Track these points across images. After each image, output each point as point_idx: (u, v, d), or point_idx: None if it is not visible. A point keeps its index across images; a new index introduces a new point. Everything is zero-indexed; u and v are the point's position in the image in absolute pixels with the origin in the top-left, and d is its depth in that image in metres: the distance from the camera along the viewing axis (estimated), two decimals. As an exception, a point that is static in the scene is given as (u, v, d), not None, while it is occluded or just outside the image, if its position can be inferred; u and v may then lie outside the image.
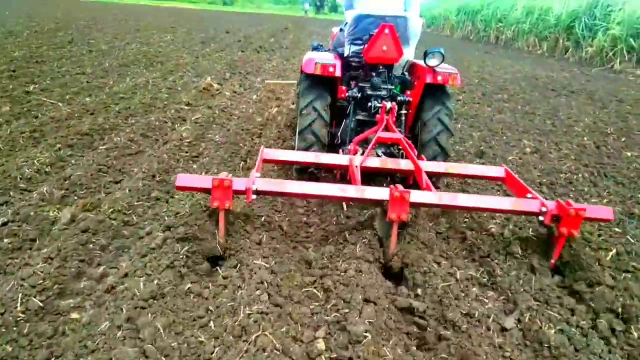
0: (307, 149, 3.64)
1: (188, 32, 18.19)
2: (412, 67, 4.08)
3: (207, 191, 2.71)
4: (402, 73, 4.06)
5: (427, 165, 3.37)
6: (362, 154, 3.38)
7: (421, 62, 3.76)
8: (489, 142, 5.63)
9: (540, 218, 2.79)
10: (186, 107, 6.18)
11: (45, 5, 26.22)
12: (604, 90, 9.65)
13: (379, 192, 2.80)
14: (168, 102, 6.42)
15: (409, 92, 3.91)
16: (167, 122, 5.41)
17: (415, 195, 2.71)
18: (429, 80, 3.63)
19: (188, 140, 4.86)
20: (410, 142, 3.55)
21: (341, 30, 4.18)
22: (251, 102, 6.80)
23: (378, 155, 3.65)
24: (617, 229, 3.48)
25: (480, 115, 6.95)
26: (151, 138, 4.91)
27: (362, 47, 3.74)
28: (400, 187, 2.67)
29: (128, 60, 9.76)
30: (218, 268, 2.66)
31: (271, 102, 6.92)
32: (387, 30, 3.44)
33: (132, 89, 6.99)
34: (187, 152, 4.57)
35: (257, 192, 2.76)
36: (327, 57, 3.73)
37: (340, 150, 3.76)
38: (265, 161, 3.46)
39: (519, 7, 22.58)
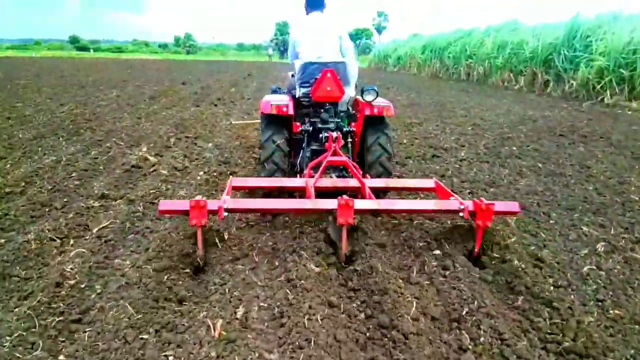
0: (269, 176, 4.13)
1: (139, 86, 16.46)
2: (355, 103, 4.69)
3: (185, 213, 3.16)
4: (347, 108, 4.74)
5: (370, 182, 3.99)
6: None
7: (363, 99, 4.25)
8: (537, 235, 3.83)
9: (461, 214, 3.36)
10: (96, 204, 4.30)
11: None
12: (618, 132, 8.29)
13: (329, 203, 3.28)
14: (72, 197, 4.53)
15: (353, 124, 4.53)
16: (53, 240, 3.52)
17: (359, 203, 3.26)
18: (367, 112, 4.21)
19: (67, 288, 2.82)
20: (356, 164, 4.13)
21: (292, 76, 4.91)
22: (194, 185, 4.97)
23: (331, 177, 4.25)
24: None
25: (498, 182, 5.32)
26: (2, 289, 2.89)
27: (309, 89, 4.38)
28: (345, 197, 3.16)
29: (50, 128, 7.88)
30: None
31: (225, 180, 5.02)
32: (329, 74, 4.09)
33: (30, 175, 5.10)
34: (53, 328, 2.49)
35: (227, 210, 3.26)
36: (282, 99, 4.28)
37: (298, 175, 4.38)
38: (234, 188, 4.02)
39: (488, 43, 21.89)
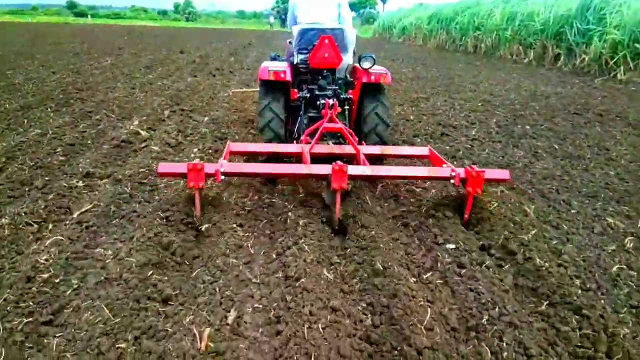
0: (267, 142, 4.17)
1: (135, 54, 15.91)
2: (353, 70, 4.68)
3: (184, 175, 3.24)
4: (345, 76, 4.69)
5: (365, 149, 3.99)
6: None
7: (361, 66, 4.26)
8: (559, 227, 3.47)
9: (452, 181, 3.40)
10: (80, 184, 3.98)
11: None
12: (635, 111, 7.88)
13: (324, 168, 3.34)
14: (55, 175, 4.21)
15: (351, 92, 4.51)
16: (30, 225, 3.21)
17: (353, 169, 3.34)
18: (364, 80, 4.23)
19: (39, 284, 2.49)
20: (352, 131, 4.18)
21: (290, 42, 4.84)
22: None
23: (328, 144, 4.21)
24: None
25: (512, 164, 4.98)
26: None
27: (307, 55, 4.34)
28: (340, 162, 3.18)
29: (39, 98, 7.49)
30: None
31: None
32: (327, 41, 4.10)
33: (12, 150, 4.76)
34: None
35: (224, 174, 3.30)
36: (279, 65, 4.28)
37: (295, 142, 4.35)
38: (232, 153, 3.98)
39: (497, 14, 21.13)
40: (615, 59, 13.28)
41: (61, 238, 3.02)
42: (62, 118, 6.28)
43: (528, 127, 6.61)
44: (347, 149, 3.99)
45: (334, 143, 4.31)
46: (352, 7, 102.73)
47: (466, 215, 3.40)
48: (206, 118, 6.59)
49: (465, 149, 5.45)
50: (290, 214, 3.42)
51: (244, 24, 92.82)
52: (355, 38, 4.73)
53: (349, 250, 3.03)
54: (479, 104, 8.38)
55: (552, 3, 17.69)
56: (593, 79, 12.99)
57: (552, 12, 16.84)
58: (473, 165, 3.34)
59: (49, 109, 6.80)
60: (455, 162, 4.87)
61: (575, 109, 7.92)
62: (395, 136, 5.95)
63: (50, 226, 3.27)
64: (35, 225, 3.23)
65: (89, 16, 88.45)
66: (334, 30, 4.35)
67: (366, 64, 4.23)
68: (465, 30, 24.47)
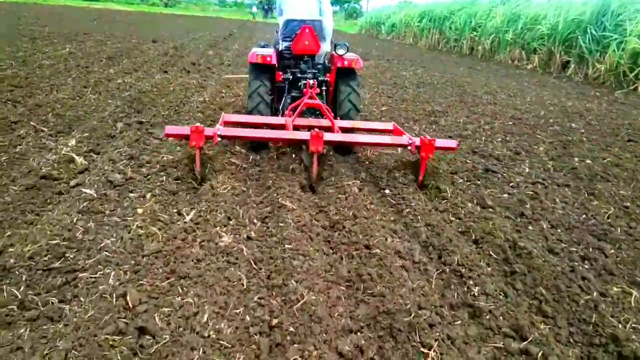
0: (254, 109, 4.70)
1: (101, 41, 13.96)
2: (331, 57, 5.18)
3: (187, 137, 3.74)
4: (324, 62, 5.34)
5: (339, 123, 4.57)
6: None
7: (336, 53, 4.82)
8: None
9: (409, 148, 4.06)
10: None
11: None
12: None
13: (304, 134, 3.89)
14: None
15: (328, 75, 5.13)
16: None
17: (327, 136, 3.85)
18: (339, 64, 4.76)
19: None
20: (329, 108, 4.81)
21: (276, 32, 5.48)
22: (126, 226, 3.00)
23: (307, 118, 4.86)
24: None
25: (610, 233, 3.49)
26: None
27: (290, 43, 4.97)
28: (317, 129, 3.75)
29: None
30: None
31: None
32: (307, 30, 4.72)
33: None
34: None
35: (221, 136, 3.90)
36: (266, 51, 4.78)
37: (280, 115, 5.08)
38: (225, 122, 4.48)
39: (497, 15, 19.83)
40: (636, 71, 12.08)
41: None
42: (-30, 132, 4.55)
43: (589, 161, 5.16)
44: (323, 122, 4.57)
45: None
46: (337, 1, 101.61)
47: (420, 177, 4.05)
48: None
49: (534, 201, 3.94)
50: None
51: (225, 12, 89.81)
52: (333, 30, 5.43)
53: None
54: (510, 122, 6.94)
55: (560, 6, 16.48)
56: (611, 91, 11.76)
57: (562, 16, 15.59)
58: (426, 135, 4.12)
59: (-42, 116, 5.04)
60: (531, 227, 3.39)
61: (627, 134, 6.54)
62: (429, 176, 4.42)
63: None
64: None
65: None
66: (313, 21, 4.98)
67: (341, 51, 4.79)
68: (460, 30, 23.13)
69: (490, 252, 2.99)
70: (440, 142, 4.01)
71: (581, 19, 14.68)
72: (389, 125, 4.84)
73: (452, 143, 4.16)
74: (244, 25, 36.72)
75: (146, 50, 12.91)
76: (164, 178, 3.75)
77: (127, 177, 3.75)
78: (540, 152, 5.43)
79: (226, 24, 36.44)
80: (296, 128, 4.31)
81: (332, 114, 4.68)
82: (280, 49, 5.17)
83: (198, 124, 3.69)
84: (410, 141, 4.01)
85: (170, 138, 4.34)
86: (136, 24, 25.05)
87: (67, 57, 10.17)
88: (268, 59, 4.62)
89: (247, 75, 5.18)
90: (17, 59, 9.17)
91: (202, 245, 2.76)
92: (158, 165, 4.03)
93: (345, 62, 4.73)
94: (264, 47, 5.21)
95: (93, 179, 3.61)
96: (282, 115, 4.90)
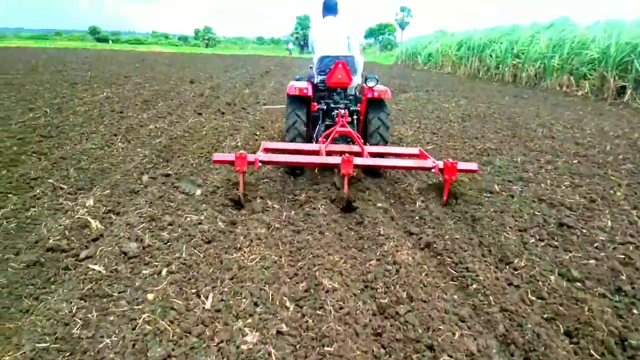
0: (292, 140, 5.12)
1: (139, 84, 14.10)
2: (361, 89, 5.59)
3: (232, 163, 4.24)
4: (355, 93, 5.79)
5: (368, 148, 4.96)
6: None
7: (366, 85, 5.23)
8: None
9: (433, 171, 4.40)
10: None
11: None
12: None
13: (336, 159, 4.25)
14: None
15: (359, 105, 5.57)
16: None
17: (357, 160, 4.22)
18: (369, 95, 5.17)
19: None
20: (359, 135, 5.23)
21: (311, 67, 5.96)
22: (136, 316, 2.49)
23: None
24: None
25: None
26: None
27: (325, 76, 5.37)
28: (348, 154, 4.22)
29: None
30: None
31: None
32: (340, 65, 5.12)
33: None
34: None
35: (262, 162, 4.31)
36: (303, 84, 5.24)
37: (314, 142, 5.43)
38: (265, 150, 4.84)
39: (542, 41, 18.99)
40: None
41: None
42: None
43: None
44: (354, 147, 4.93)
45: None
46: (371, 33, 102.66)
47: (445, 197, 4.40)
48: (199, 191, 4.49)
49: (623, 263, 3.18)
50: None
51: (263, 50, 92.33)
52: (364, 63, 5.94)
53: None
54: (575, 161, 6.16)
55: (610, 29, 15.54)
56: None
57: (613, 39, 14.65)
58: (449, 159, 4.42)
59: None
60: (636, 310, 2.66)
61: None
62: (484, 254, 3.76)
63: None
64: None
65: (111, 41, 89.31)
66: (346, 57, 5.37)
67: (371, 83, 5.16)
68: (502, 58, 22.36)
69: (591, 351, 2.30)
70: (462, 165, 4.36)
71: (636, 42, 13.72)
72: (415, 150, 5.17)
73: (473, 166, 4.50)
74: (281, 61, 37.19)
75: (183, 91, 12.88)
76: (184, 246, 3.25)
77: (145, 244, 3.29)
78: (619, 198, 4.65)
79: (263, 61, 37.06)
80: (329, 154, 4.69)
81: (362, 140, 5.15)
82: (315, 82, 5.61)
83: (242, 152, 4.20)
84: (434, 164, 4.36)
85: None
86: (177, 65, 25.68)
87: (103, 102, 10.16)
88: (305, 91, 5.07)
89: (284, 106, 5.60)
90: (52, 105, 9.19)
91: (221, 348, 2.21)
92: (180, 229, 3.55)
93: (375, 94, 5.15)
94: (298, 80, 5.69)
95: (105, 249, 3.16)
96: (317, 142, 5.25)
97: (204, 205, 4.05)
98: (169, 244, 3.35)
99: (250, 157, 4.19)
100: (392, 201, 4.64)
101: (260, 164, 4.29)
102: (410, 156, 5.15)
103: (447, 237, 3.60)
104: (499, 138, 7.70)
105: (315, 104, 5.50)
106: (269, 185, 4.87)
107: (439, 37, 33.80)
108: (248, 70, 23.72)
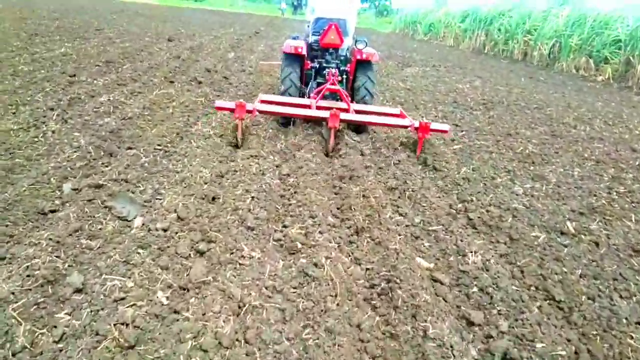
0: (286, 90, 5.53)
1: (109, 39, 12.21)
2: (352, 51, 5.90)
3: (232, 110, 4.63)
4: (346, 54, 6.08)
5: (354, 106, 5.33)
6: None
7: (356, 47, 5.60)
8: None
9: (409, 129, 5.01)
10: None
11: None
12: None
13: (324, 112, 4.66)
14: None
15: (349, 66, 5.91)
16: None
17: (343, 115, 4.70)
18: (358, 57, 5.51)
19: None
20: (347, 93, 5.64)
21: (307, 26, 6.34)
22: None
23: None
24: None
25: None
26: None
27: (319, 37, 5.72)
28: (335, 109, 4.62)
29: None
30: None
31: None
32: (333, 27, 5.43)
33: None
34: None
35: (259, 111, 4.79)
36: (298, 42, 5.56)
37: (306, 97, 5.70)
38: (262, 101, 5.16)
39: (561, 16, 17.34)
40: None
41: None
42: None
43: None
44: (342, 105, 5.30)
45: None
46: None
47: (418, 152, 4.90)
48: (140, 219, 2.98)
49: None
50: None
51: (254, 8, 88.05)
52: (358, 28, 6.67)
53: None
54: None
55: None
56: None
57: (647, 19, 13.16)
58: (424, 120, 4.88)
59: None
60: None
61: None
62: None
63: None
64: None
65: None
66: (339, 20, 5.81)
67: (360, 45, 5.55)
68: (511, 33, 20.69)
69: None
70: (435, 125, 4.85)
71: (673, 24, 12.26)
72: (396, 110, 5.60)
73: (445, 127, 4.94)
74: (272, 22, 34.80)
75: (157, 51, 11.07)
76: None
77: (17, 348, 1.81)
78: None
79: (254, 20, 34.61)
80: (319, 109, 5.05)
81: (350, 99, 5.58)
82: (309, 42, 6.00)
83: (241, 100, 4.58)
84: (411, 123, 4.89)
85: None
86: (158, 18, 23.37)
87: (57, 59, 8.39)
88: (299, 49, 5.45)
89: (280, 63, 6.10)
90: (-5, 62, 7.43)
91: None
92: (90, 307, 2.08)
93: (364, 55, 5.47)
94: (295, 39, 5.91)
95: None
96: (308, 98, 5.60)
97: (142, 250, 2.57)
98: (62, 342, 1.88)
99: (249, 106, 4.64)
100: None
101: (257, 113, 4.77)
102: (391, 115, 5.49)
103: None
104: (537, 137, 6.26)
105: (308, 62, 5.90)
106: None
107: (441, 6, 31.75)
108: (236, 29, 21.65)
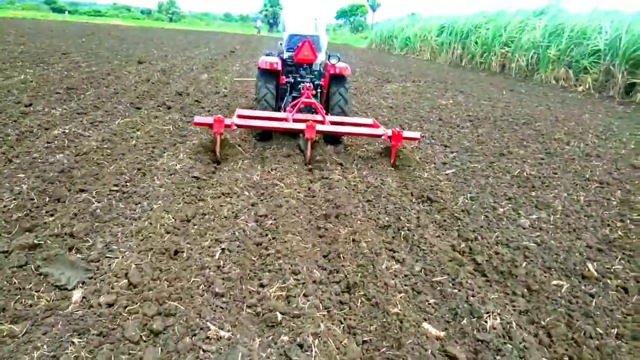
0: (261, 104, 5.77)
1: (75, 64, 11.60)
2: (325, 65, 6.10)
3: (210, 125, 4.73)
4: (319, 69, 6.29)
5: (329, 117, 5.55)
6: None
7: (329, 62, 5.87)
8: None
9: (383, 138, 5.15)
10: None
11: None
12: None
13: (301, 125, 4.84)
14: None
15: (323, 80, 6.12)
16: None
17: (319, 126, 4.88)
18: (332, 71, 5.77)
19: None
20: (322, 106, 5.91)
21: (281, 44, 6.47)
22: None
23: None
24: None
25: None
26: None
27: (293, 53, 6.00)
28: (312, 121, 4.88)
29: None
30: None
31: None
32: (307, 43, 5.73)
33: None
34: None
35: (237, 125, 4.94)
36: (273, 59, 5.81)
37: (282, 111, 5.95)
38: (239, 116, 5.32)
39: (538, 27, 17.32)
40: None
41: None
42: None
43: None
44: (317, 117, 5.51)
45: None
46: (342, 14, 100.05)
47: (392, 160, 5.10)
48: (80, 292, 2.42)
49: None
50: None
51: (230, 27, 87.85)
52: (329, 44, 6.95)
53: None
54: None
55: (620, 19, 14.00)
56: None
57: (625, 29, 13.10)
58: (397, 128, 5.06)
59: None
60: None
61: None
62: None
63: None
64: None
65: (67, 12, 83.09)
66: (313, 36, 6.03)
67: (333, 60, 5.80)
68: (488, 45, 20.66)
69: None
70: (407, 134, 5.11)
71: (652, 33, 12.20)
72: (369, 121, 5.75)
73: (416, 134, 5.18)
74: (248, 40, 34.51)
75: (125, 75, 10.50)
76: None
77: None
78: None
79: (229, 39, 34.29)
80: (295, 121, 5.18)
81: (324, 111, 5.77)
82: (284, 58, 6.16)
83: (220, 115, 4.90)
84: (384, 132, 5.08)
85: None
86: (131, 40, 22.77)
87: (13, 87, 7.77)
88: (275, 65, 5.65)
89: (255, 79, 6.44)
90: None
91: None
92: None
93: (337, 70, 5.71)
94: (268, 55, 6.10)
95: None
96: (284, 112, 5.80)
97: (78, 339, 2.01)
98: None
99: (227, 121, 4.74)
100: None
101: (235, 127, 4.87)
102: (365, 125, 5.63)
103: None
104: (532, 157, 5.87)
105: (283, 77, 6.10)
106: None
107: (417, 21, 31.85)
108: (210, 49, 21.20)
